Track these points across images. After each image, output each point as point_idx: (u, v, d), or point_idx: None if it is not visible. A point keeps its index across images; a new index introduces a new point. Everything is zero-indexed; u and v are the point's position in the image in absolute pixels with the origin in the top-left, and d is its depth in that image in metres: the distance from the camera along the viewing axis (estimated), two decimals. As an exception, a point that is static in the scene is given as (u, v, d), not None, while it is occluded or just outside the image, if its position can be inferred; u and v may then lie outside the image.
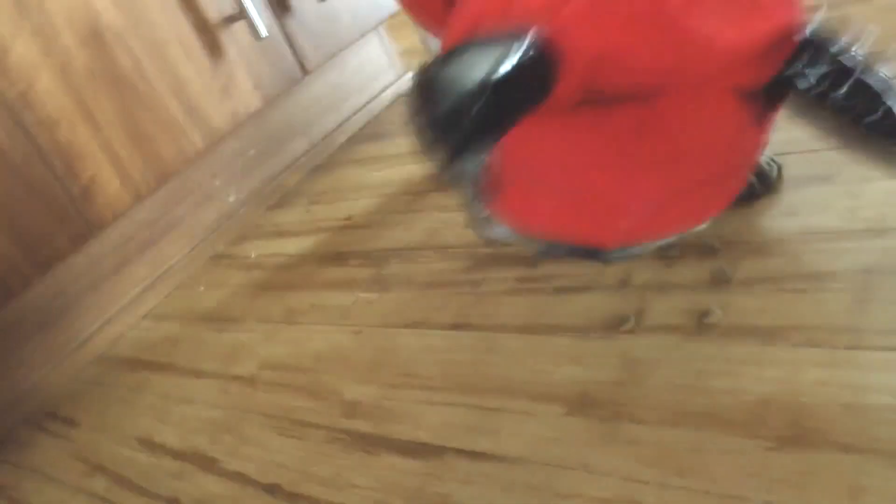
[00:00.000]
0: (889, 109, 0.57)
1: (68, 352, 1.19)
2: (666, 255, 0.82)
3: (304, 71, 1.40)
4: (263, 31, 1.28)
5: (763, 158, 0.84)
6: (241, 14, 1.27)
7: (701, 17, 0.57)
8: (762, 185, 0.84)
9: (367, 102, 1.60)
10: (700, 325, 0.72)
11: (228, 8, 1.28)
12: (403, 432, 0.77)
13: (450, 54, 0.57)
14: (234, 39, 1.29)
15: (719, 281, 0.76)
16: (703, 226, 0.75)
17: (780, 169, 0.84)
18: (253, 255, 1.30)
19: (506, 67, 0.54)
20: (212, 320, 1.16)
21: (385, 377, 0.85)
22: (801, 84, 0.59)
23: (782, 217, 0.80)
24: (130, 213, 1.24)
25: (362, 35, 1.49)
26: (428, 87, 0.56)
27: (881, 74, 0.58)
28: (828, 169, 0.82)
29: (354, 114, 1.58)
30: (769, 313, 0.69)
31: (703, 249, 0.80)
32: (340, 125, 1.56)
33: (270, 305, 1.12)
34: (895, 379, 0.58)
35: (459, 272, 0.96)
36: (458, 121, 0.54)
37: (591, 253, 0.74)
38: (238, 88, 1.30)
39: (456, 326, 0.88)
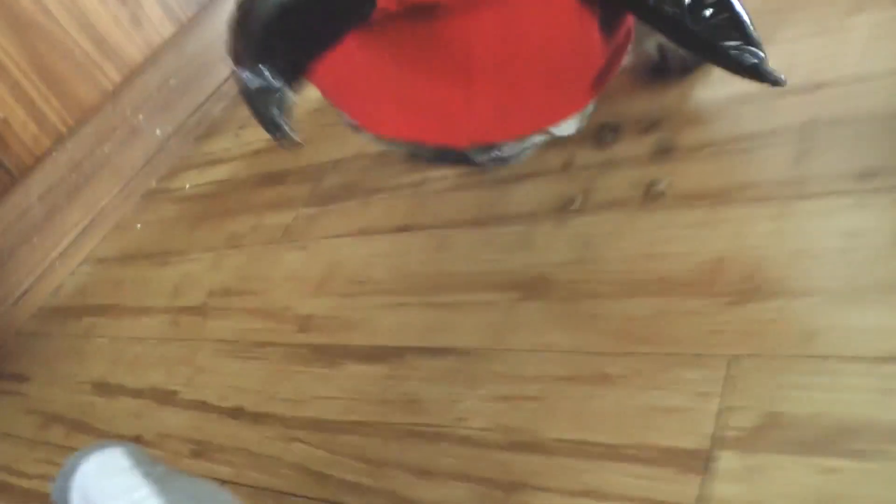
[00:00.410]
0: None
1: (6, 308, 1.14)
2: (603, 136, 0.80)
3: (216, -10, 1.33)
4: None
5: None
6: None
7: None
8: (693, 59, 0.83)
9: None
10: (648, 196, 0.71)
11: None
12: (361, 339, 0.75)
13: None
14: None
15: (662, 151, 0.75)
16: (567, 124, 0.75)
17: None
18: (187, 187, 1.25)
19: None
20: (153, 256, 1.12)
21: (336, 288, 0.84)
22: None
23: (718, 85, 0.79)
24: (52, 157, 1.18)
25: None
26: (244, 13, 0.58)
27: None
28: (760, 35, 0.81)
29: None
30: (715, 176, 0.69)
31: (642, 125, 0.79)
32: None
33: (211, 233, 1.08)
34: (841, 222, 0.58)
35: (399, 175, 0.94)
36: (270, 44, 0.57)
37: (459, 157, 0.75)
38: (147, 16, 1.23)
39: (402, 229, 0.86)
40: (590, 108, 0.76)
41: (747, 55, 0.62)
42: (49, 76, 1.09)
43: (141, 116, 1.31)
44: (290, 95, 0.61)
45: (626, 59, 0.86)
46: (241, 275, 0.96)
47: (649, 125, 0.79)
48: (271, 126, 0.61)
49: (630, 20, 0.72)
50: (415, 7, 0.60)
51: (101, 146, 1.26)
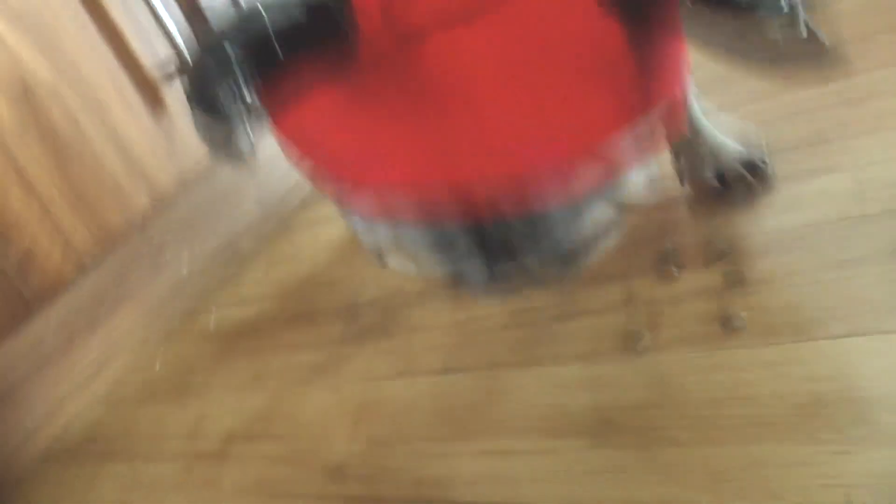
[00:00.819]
0: None
1: (12, 447, 1.06)
2: (664, 268, 0.74)
3: (254, 128, 1.32)
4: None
5: (756, 156, 0.79)
6: (183, 68, 1.20)
7: None
8: (760, 183, 0.78)
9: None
10: (725, 331, 0.64)
11: (170, 62, 1.20)
12: (403, 489, 0.67)
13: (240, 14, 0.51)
14: (178, 94, 1.21)
15: (734, 283, 0.69)
16: (633, 180, 0.57)
17: (772, 166, 0.79)
18: (212, 325, 1.19)
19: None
20: (171, 396, 1.05)
21: (373, 432, 0.75)
22: None
23: (788, 212, 0.74)
24: (75, 286, 1.13)
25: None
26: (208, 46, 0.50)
27: None
28: (825, 161, 0.77)
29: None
30: (797, 308, 0.62)
31: (708, 256, 0.73)
32: (293, 186, 1.48)
33: (234, 374, 1.01)
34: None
35: (441, 313, 0.88)
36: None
37: (515, 273, 0.57)
38: (184, 145, 1.22)
39: (447, 370, 0.79)
40: (653, 167, 0.60)
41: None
42: (78, 201, 1.07)
43: (169, 248, 1.28)
44: (255, 101, 0.50)
45: (684, 188, 0.82)
46: (265, 417, 0.88)
47: (715, 256, 0.73)
48: (228, 125, 0.49)
49: (680, 41, 0.58)
50: (401, 34, 0.51)
51: (125, 278, 1.21)
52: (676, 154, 0.82)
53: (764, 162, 0.79)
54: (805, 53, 0.48)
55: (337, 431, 0.78)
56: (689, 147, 0.81)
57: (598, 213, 0.57)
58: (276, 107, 0.52)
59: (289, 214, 1.46)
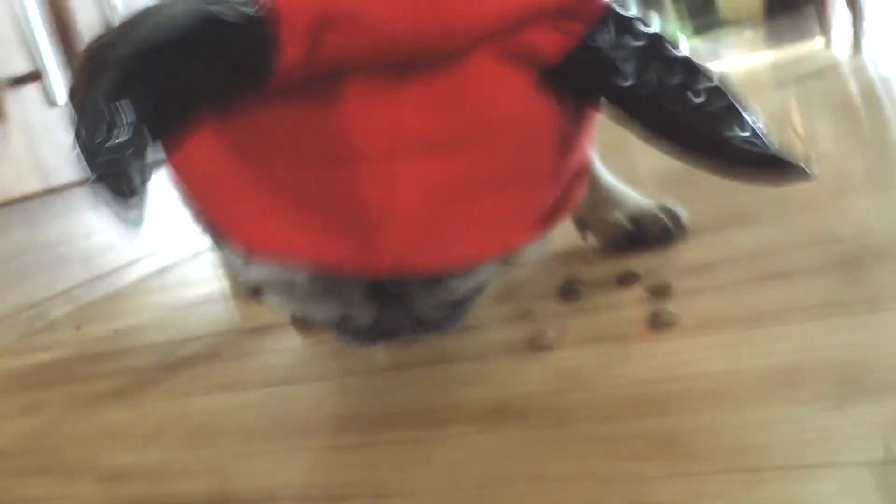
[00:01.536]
0: (713, 87, 0.46)
1: None
2: (569, 293, 0.62)
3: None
4: (59, 98, 1.06)
5: (668, 202, 0.72)
6: (37, 75, 1.04)
7: None
8: (676, 228, 0.70)
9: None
10: (652, 326, 0.52)
11: (22, 66, 1.05)
12: (201, 487, 0.47)
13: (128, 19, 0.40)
14: (22, 108, 1.05)
15: (659, 292, 0.58)
16: (515, 259, 0.50)
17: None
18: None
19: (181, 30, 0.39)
20: None
21: (173, 440, 0.55)
22: (601, 45, 0.45)
23: (705, 247, 0.65)
24: None
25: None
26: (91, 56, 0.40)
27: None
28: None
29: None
30: (738, 307, 0.51)
31: (623, 278, 0.62)
32: (126, 260, 1.29)
33: (11, 401, 0.77)
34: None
35: (283, 341, 0.71)
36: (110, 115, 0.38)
37: (405, 324, 0.50)
38: (12, 160, 1.04)
39: (286, 382, 0.61)
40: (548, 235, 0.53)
41: (761, 144, 0.46)
42: None
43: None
44: (149, 149, 0.40)
45: (589, 236, 0.73)
46: (32, 436, 0.65)
47: (631, 279, 0.62)
48: (124, 185, 0.38)
49: (586, 149, 0.53)
50: (324, 71, 0.41)
51: None
52: (578, 212, 0.74)
53: (675, 208, 0.71)
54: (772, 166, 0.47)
55: (126, 441, 0.57)
56: (592, 195, 0.72)
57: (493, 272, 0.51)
58: (166, 137, 0.43)
59: (116, 279, 1.26)
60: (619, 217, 0.71)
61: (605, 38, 0.45)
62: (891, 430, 0.33)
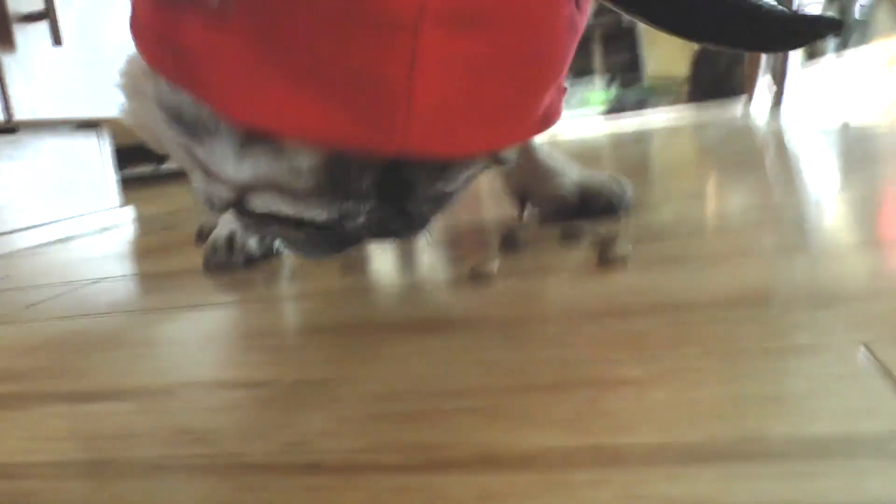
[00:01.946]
0: None
1: None
2: (512, 240, 0.59)
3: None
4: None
5: (616, 177, 0.69)
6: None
7: None
8: (622, 200, 0.68)
9: None
10: (603, 262, 0.49)
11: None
12: (85, 384, 0.40)
13: None
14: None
15: (608, 241, 0.55)
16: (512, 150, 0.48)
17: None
18: None
19: None
20: None
21: (55, 353, 0.49)
22: None
23: (660, 211, 0.63)
24: None
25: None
26: None
27: None
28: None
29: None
30: (699, 244, 0.49)
31: (566, 233, 0.59)
32: None
33: None
34: None
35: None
36: None
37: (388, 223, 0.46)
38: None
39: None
40: None
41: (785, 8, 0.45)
42: None
43: None
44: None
45: (528, 209, 0.70)
46: None
47: (573, 235, 0.59)
48: None
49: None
50: None
51: None
52: (517, 183, 0.71)
53: (622, 180, 0.69)
54: None
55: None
56: (532, 165, 0.69)
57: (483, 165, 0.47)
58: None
59: (13, 240, 1.16)
60: (565, 187, 0.68)
61: None
62: None
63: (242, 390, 0.35)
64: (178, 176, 2.72)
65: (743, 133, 1.30)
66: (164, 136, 0.46)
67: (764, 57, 2.00)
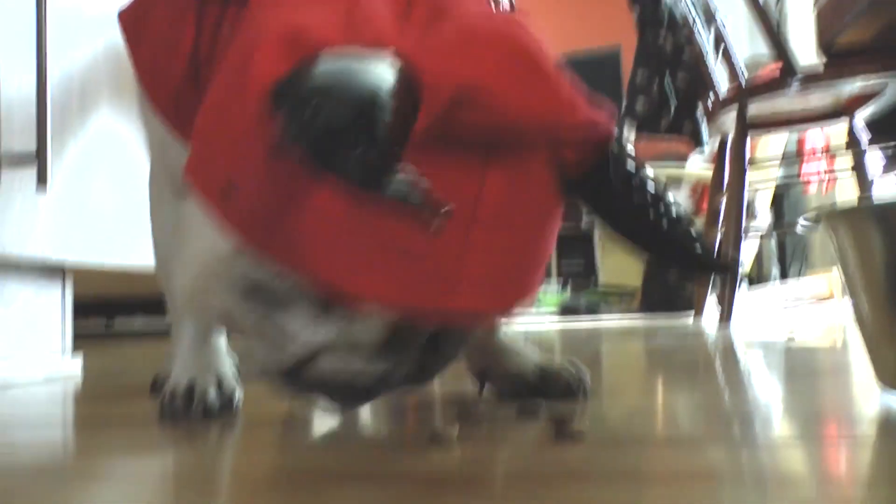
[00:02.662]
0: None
1: None
2: (468, 412, 0.60)
3: None
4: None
5: (574, 362, 0.72)
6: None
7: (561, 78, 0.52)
8: (580, 386, 0.69)
9: None
10: (559, 438, 0.51)
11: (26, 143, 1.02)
12: None
13: (309, 67, 0.45)
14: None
15: (562, 421, 0.56)
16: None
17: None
18: None
19: (388, 82, 0.45)
20: None
21: None
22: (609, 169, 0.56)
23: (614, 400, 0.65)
24: None
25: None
26: (309, 98, 0.44)
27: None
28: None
29: None
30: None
31: (523, 410, 0.61)
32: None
33: None
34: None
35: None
36: (366, 130, 0.43)
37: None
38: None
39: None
40: None
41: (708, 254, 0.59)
42: None
43: None
44: None
45: (487, 388, 0.72)
46: None
47: (530, 411, 0.61)
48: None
49: None
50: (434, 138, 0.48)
51: None
52: (478, 360, 0.73)
53: (579, 366, 0.72)
54: None
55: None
56: (492, 345, 0.72)
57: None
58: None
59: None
60: (526, 366, 0.70)
61: (610, 164, 0.55)
62: None
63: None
64: (130, 335, 2.69)
65: (691, 342, 1.35)
66: (235, 309, 0.53)
67: (712, 276, 2.12)
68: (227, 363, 0.72)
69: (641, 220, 0.56)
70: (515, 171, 0.51)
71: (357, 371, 0.52)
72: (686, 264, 0.59)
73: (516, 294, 0.53)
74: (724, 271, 0.60)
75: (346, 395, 0.54)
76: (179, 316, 0.73)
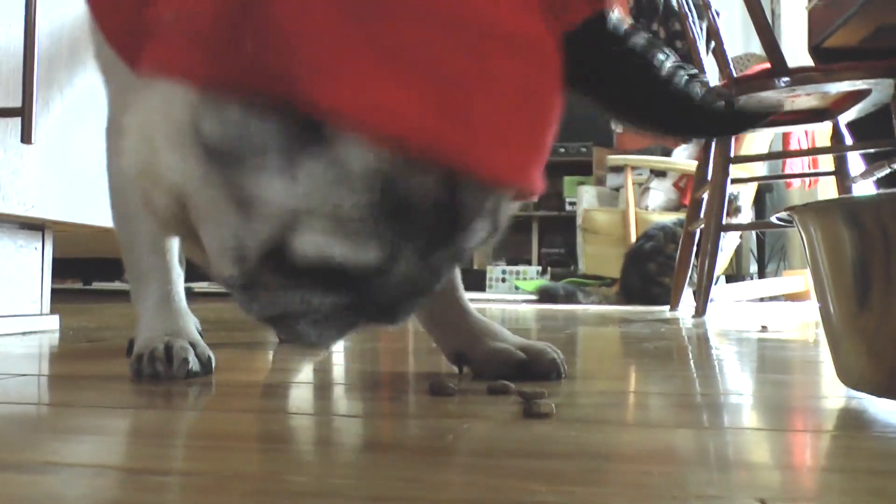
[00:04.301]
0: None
1: None
2: (443, 385, 0.60)
3: None
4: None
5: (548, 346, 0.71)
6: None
7: None
8: (560, 370, 0.69)
9: None
10: (528, 415, 0.51)
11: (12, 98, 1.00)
12: None
13: None
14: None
15: (533, 396, 0.57)
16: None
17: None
18: None
19: None
20: None
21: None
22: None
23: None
24: None
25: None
26: None
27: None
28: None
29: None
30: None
31: (494, 386, 0.62)
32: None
33: None
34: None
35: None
36: None
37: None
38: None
39: None
40: None
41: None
42: None
43: None
44: None
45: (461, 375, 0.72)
46: None
47: (501, 389, 0.61)
48: None
49: None
50: None
51: None
52: (453, 342, 0.72)
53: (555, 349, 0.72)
54: None
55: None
56: (469, 327, 0.72)
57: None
58: None
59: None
60: (507, 348, 0.69)
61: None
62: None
63: (175, 476, 0.36)
64: (107, 293, 2.68)
65: (666, 331, 1.37)
66: (194, 184, 0.43)
67: (690, 268, 2.15)
68: (194, 325, 0.72)
69: (636, 77, 0.52)
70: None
71: (346, 257, 0.41)
72: (688, 121, 0.55)
73: (531, 153, 0.44)
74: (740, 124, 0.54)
75: (315, 319, 0.45)
76: (140, 274, 0.72)
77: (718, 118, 0.56)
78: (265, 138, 0.40)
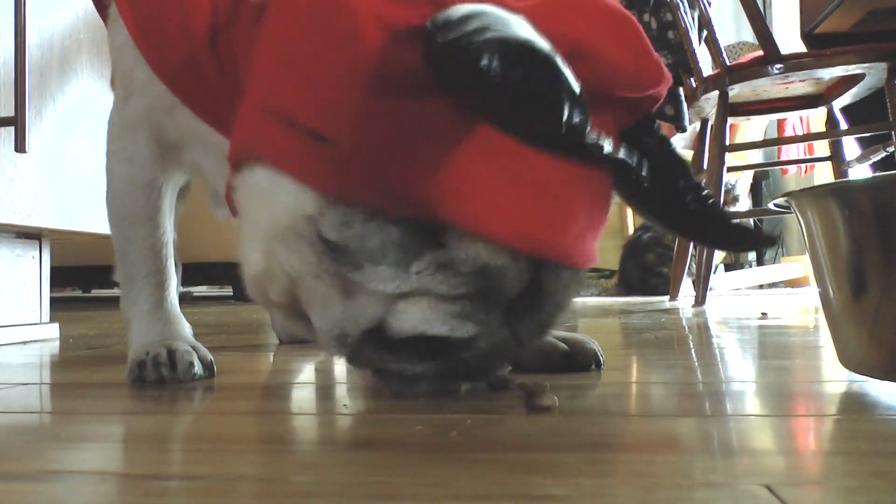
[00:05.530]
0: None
1: None
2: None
3: None
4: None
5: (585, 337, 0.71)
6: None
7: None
8: (600, 361, 0.69)
9: None
10: (530, 410, 0.51)
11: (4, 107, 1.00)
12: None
13: (464, 13, 0.44)
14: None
15: (535, 391, 0.57)
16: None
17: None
18: None
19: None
20: None
21: None
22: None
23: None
24: None
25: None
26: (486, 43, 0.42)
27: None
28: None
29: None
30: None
31: (493, 385, 0.62)
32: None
33: None
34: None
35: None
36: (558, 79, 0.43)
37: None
38: None
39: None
40: None
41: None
42: None
43: None
44: None
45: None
46: None
47: (500, 384, 0.61)
48: None
49: None
50: None
51: None
52: None
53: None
54: None
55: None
56: None
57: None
58: None
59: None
60: (552, 339, 0.68)
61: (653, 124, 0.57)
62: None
63: (179, 481, 0.36)
64: (106, 300, 2.68)
65: (667, 321, 1.37)
66: (307, 273, 0.50)
67: (689, 258, 2.14)
68: (189, 330, 0.72)
69: (672, 185, 0.56)
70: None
71: (439, 332, 0.49)
72: (720, 237, 0.60)
73: (591, 250, 0.53)
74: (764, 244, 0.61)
75: (428, 368, 0.51)
76: (133, 277, 0.71)
77: (747, 235, 0.64)
78: (385, 241, 0.48)
